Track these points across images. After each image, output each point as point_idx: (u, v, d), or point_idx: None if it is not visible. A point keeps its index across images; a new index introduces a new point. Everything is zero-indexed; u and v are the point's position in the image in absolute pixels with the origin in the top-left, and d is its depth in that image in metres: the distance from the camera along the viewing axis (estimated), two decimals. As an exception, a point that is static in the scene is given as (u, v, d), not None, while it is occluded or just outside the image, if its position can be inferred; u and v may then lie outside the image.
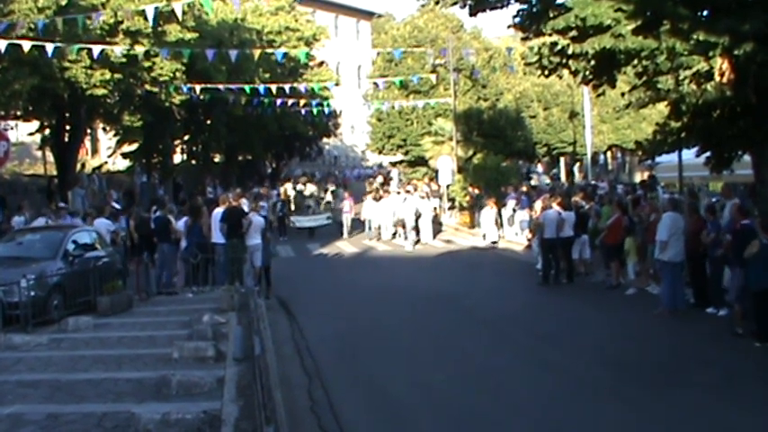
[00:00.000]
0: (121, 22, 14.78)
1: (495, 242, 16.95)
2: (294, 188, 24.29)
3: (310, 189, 24.24)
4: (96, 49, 13.20)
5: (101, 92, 15.08)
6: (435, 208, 20.61)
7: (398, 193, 20.72)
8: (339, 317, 9.61)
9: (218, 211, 11.15)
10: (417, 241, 18.07)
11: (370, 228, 19.28)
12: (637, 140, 19.30)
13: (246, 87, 20.43)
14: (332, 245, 18.60)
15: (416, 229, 18.37)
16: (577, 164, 33.53)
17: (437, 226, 19.59)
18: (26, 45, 11.99)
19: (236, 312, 8.51)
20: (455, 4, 11.19)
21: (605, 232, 10.92)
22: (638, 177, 26.74)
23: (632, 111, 22.61)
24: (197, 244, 10.89)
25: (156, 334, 7.88)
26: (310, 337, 8.36)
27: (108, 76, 14.88)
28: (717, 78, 8.89)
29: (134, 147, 22.58)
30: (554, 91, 31.18)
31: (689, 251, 8.87)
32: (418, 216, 18.31)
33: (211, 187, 25.68)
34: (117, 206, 15.21)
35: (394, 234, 19.20)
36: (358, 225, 20.31)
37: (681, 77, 9.65)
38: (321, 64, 34.11)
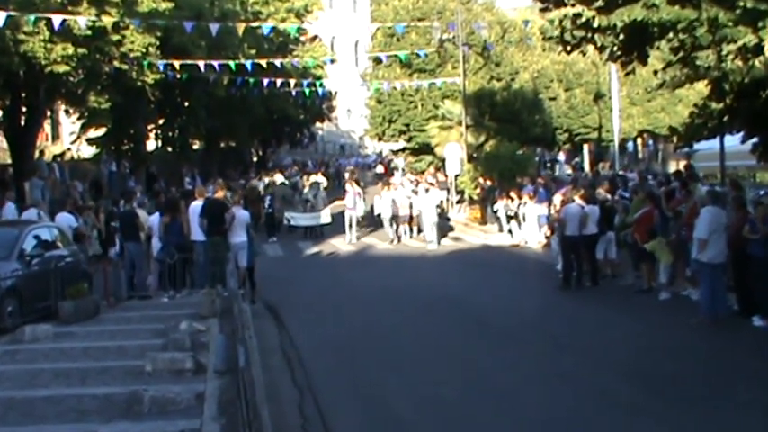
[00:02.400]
0: (86, -11, 14.72)
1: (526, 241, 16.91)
2: (288, 179, 24.00)
3: (322, 181, 23.73)
4: (57, 19, 13.12)
5: (62, 69, 14.97)
6: (442, 201, 20.58)
7: (415, 184, 20.56)
8: (334, 323, 9.60)
9: (197, 204, 11.10)
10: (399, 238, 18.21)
11: (391, 225, 18.42)
12: (671, 125, 19.27)
13: (231, 64, 20.36)
14: (326, 243, 18.57)
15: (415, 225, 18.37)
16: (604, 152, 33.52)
17: (443, 221, 19.47)
18: (-28, 14, 11.92)
19: (217, 319, 8.47)
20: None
21: (633, 227, 10.86)
22: (672, 167, 26.65)
23: (666, 91, 22.46)
24: (175, 244, 10.81)
25: (127, 344, 7.85)
26: (301, 347, 8.35)
27: (70, 50, 14.77)
28: (766, 53, 8.79)
29: (101, 132, 22.53)
30: (577, 69, 31.10)
31: (732, 251, 8.80)
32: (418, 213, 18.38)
33: (189, 178, 25.65)
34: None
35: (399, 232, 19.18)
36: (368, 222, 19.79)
37: (724, 52, 9.52)
38: (314, 39, 34.05)
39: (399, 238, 18.65)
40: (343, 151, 57.52)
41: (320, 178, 23.98)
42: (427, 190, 18.44)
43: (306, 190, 21.21)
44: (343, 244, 18.33)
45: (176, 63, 19.18)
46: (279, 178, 24.08)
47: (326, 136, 54.63)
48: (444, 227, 18.92)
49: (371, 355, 8.00)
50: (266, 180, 23.59)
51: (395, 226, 18.37)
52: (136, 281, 11.09)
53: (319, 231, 19.40)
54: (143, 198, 15.21)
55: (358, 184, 20.89)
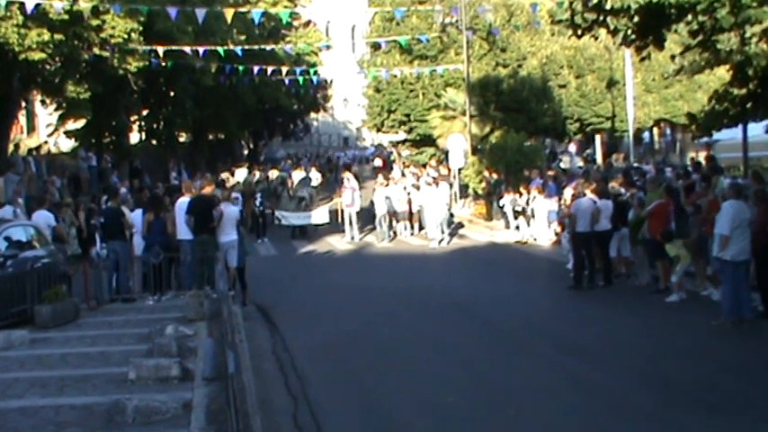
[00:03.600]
0: (63, -30, 14.67)
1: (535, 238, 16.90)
2: (285, 174, 23.65)
3: (316, 176, 23.59)
4: (30, 2, 13.05)
5: (37, 56, 14.93)
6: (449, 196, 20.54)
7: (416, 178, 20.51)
8: (330, 326, 9.59)
9: (183, 200, 11.07)
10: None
11: (380, 224, 18.27)
12: (690, 113, 19.14)
13: (219, 50, 20.30)
14: (321, 241, 18.54)
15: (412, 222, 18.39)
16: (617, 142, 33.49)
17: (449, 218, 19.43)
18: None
19: (205, 322, 8.50)
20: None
21: (647, 222, 10.82)
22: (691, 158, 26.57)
23: (685, 77, 22.43)
24: (161, 243, 10.78)
25: (109, 350, 7.84)
26: (295, 352, 8.34)
27: (46, 36, 14.72)
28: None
29: (80, 124, 22.50)
30: (588, 55, 31.03)
31: (756, 248, 8.77)
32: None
33: (176, 172, 25.64)
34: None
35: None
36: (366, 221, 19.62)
37: (747, 35, 9.48)
38: (307, 24, 33.99)
39: (395, 234, 18.62)
40: (347, 144, 57.52)
41: (313, 173, 23.75)
42: (436, 183, 18.37)
43: (294, 185, 21.12)
44: (339, 242, 18.30)
45: (161, 50, 19.13)
46: (274, 174, 23.85)
47: (322, 127, 54.67)
48: (451, 224, 18.88)
49: (370, 361, 7.98)
50: (257, 174, 23.46)
51: (385, 224, 18.22)
52: (119, 282, 11.06)
53: (313, 230, 19.27)
54: (126, 194, 15.19)
55: (357, 178, 20.76)
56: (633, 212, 11.87)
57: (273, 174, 23.52)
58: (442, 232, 17.53)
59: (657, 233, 10.63)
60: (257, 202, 19.20)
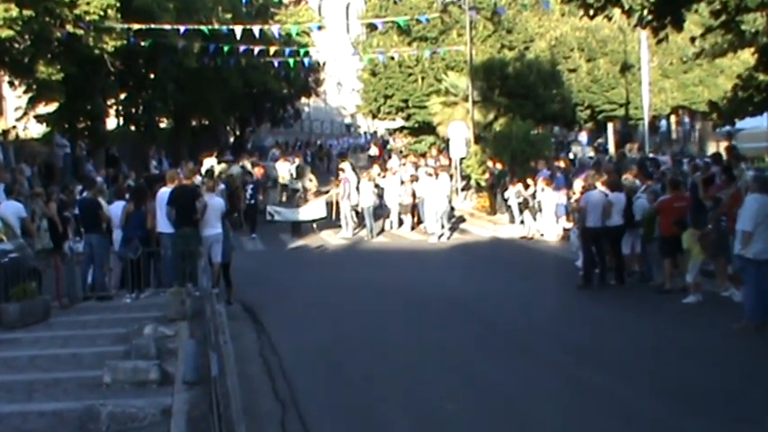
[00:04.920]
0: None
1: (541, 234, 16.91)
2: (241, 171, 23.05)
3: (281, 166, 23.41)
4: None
5: (5, 33, 14.85)
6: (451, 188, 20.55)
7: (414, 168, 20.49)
8: (321, 327, 9.59)
9: (164, 191, 11.03)
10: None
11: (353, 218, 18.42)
12: (711, 100, 19.13)
13: (203, 28, 20.20)
14: (313, 235, 18.51)
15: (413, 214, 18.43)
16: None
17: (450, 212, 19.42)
18: None
19: (187, 322, 8.47)
20: None
21: (658, 219, 10.84)
22: (711, 149, 26.65)
23: (705, 61, 22.43)
24: (139, 237, 10.74)
25: (82, 351, 7.80)
26: (284, 354, 8.34)
27: (14, 12, 14.63)
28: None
29: (52, 107, 22.32)
30: (601, 37, 31.01)
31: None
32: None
33: (156, 161, 25.55)
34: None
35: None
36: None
37: (772, 15, 9.47)
38: (299, 2, 33.83)
39: (383, 230, 18.74)
40: (349, 131, 57.44)
41: (291, 166, 23.25)
42: (437, 174, 18.37)
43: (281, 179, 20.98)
44: (333, 237, 18.28)
45: (139, 28, 19.01)
46: (235, 169, 23.31)
47: (313, 113, 54.53)
48: (452, 218, 18.89)
49: (363, 364, 7.97)
50: (247, 164, 23.22)
51: (369, 219, 18.18)
52: (94, 279, 11.01)
53: (308, 228, 19.09)
54: (102, 184, 15.11)
55: (354, 169, 20.62)
56: (641, 207, 11.86)
57: (234, 170, 21.93)
58: (442, 227, 17.53)
59: (666, 230, 10.67)
60: (248, 195, 18.99)
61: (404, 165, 23.22)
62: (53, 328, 9.12)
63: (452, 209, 20.00)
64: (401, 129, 32.80)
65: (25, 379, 6.88)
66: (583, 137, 34.92)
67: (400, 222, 19.26)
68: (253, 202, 18.91)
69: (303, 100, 42.55)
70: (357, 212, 18.74)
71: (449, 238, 17.53)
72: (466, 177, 23.49)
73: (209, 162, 23.23)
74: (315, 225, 18.99)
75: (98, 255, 11.02)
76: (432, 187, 17.93)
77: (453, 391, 7.00)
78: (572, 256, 13.19)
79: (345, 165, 20.43)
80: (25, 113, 23.17)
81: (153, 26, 19.29)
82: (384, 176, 20.50)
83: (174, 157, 26.00)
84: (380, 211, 19.62)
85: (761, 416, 6.21)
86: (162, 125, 28.89)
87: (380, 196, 19.51)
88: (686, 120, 36.70)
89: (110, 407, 5.55)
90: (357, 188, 18.74)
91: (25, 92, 21.80)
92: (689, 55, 22.01)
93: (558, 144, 32.78)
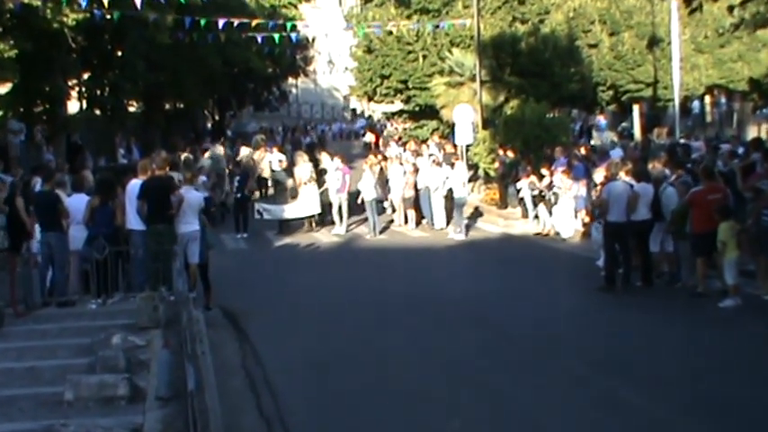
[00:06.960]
0: None
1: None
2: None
3: (278, 158, 23.14)
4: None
5: (-49, 6, 14.78)
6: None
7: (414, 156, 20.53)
8: (312, 336, 9.61)
9: (135, 183, 11.03)
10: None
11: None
12: (751, 78, 19.04)
13: None
14: (301, 232, 18.53)
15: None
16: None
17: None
18: None
19: (160, 330, 8.48)
20: None
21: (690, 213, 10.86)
22: (751, 133, 26.63)
23: (745, 33, 22.29)
24: (106, 235, 10.74)
25: (41, 364, 7.84)
26: (269, 366, 8.37)
27: (-38, -18, 14.58)
28: None
29: (6, 89, 22.27)
30: (625, 7, 30.97)
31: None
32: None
33: (124, 149, 25.52)
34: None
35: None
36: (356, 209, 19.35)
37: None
38: (284, -32, 33.77)
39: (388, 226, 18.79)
40: (356, 116, 57.45)
41: (275, 155, 22.90)
42: (453, 164, 18.40)
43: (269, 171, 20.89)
44: (325, 235, 18.30)
45: (104, -1, 18.96)
46: (244, 151, 23.42)
47: (302, 95, 54.56)
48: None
49: (359, 377, 7.99)
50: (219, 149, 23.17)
51: (372, 214, 18.21)
52: (54, 282, 11.01)
53: (299, 225, 19.04)
54: (62, 176, 15.08)
55: (343, 160, 20.58)
56: (678, 200, 11.86)
57: (218, 150, 21.91)
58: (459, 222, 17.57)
59: (698, 226, 10.65)
60: (235, 188, 18.87)
61: (402, 153, 23.22)
62: (7, 338, 9.09)
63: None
64: (400, 113, 32.79)
65: (-23, 396, 6.91)
66: (601, 120, 34.96)
67: (405, 218, 19.25)
68: (240, 195, 18.65)
69: (290, 80, 42.58)
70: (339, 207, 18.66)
71: (466, 234, 17.58)
72: (473, 167, 23.50)
73: (218, 150, 22.97)
74: (313, 222, 18.94)
75: (58, 255, 10.99)
76: (448, 177, 17.95)
77: (460, 407, 7.03)
78: (593, 254, 13.22)
79: (328, 156, 20.46)
80: (-25, 96, 23.15)
81: (120, -4, 19.24)
82: (385, 166, 20.49)
83: (145, 145, 25.97)
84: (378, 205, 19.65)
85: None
86: (131, 109, 28.80)
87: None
88: (722, 100, 36.63)
89: (72, 427, 5.58)
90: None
91: (-25, 71, 21.80)
92: (726, 26, 21.87)
93: (579, 129, 32.86)
